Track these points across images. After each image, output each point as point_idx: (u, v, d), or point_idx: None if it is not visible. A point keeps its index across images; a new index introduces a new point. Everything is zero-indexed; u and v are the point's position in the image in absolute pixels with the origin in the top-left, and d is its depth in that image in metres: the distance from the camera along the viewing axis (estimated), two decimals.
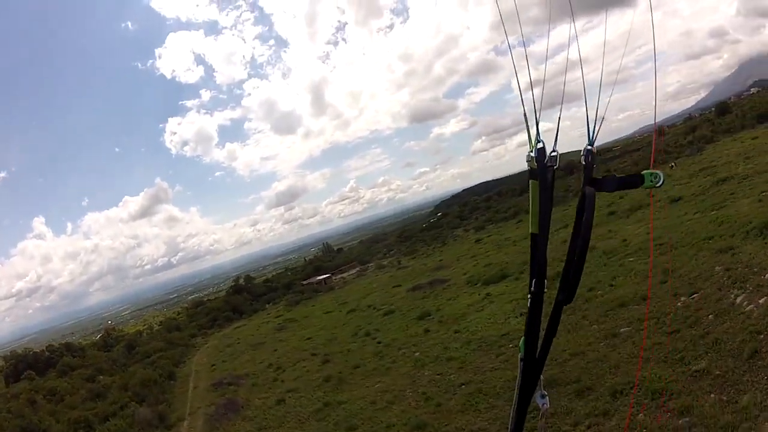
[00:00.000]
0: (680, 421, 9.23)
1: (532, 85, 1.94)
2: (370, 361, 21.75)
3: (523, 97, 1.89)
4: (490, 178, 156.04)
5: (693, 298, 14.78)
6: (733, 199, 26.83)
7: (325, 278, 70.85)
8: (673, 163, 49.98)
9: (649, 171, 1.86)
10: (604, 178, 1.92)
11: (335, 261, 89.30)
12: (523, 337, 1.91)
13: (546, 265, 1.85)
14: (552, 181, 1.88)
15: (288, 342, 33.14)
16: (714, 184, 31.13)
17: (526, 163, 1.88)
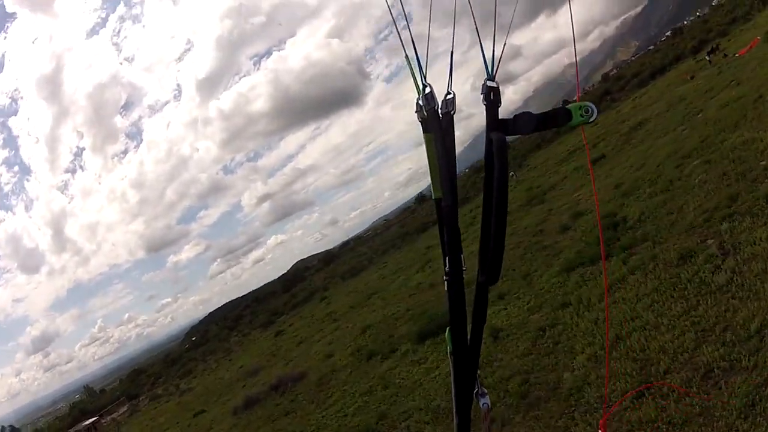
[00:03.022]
0: None
1: (408, 21, 1.43)
2: None
3: (402, 38, 1.40)
4: (231, 299, 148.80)
5: None
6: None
7: (93, 422, 52.22)
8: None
9: (577, 103, 1.32)
10: (517, 117, 1.37)
11: (100, 401, 67.74)
12: (448, 329, 1.47)
13: (459, 237, 1.41)
14: (451, 129, 1.41)
15: None
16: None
17: (415, 114, 1.43)
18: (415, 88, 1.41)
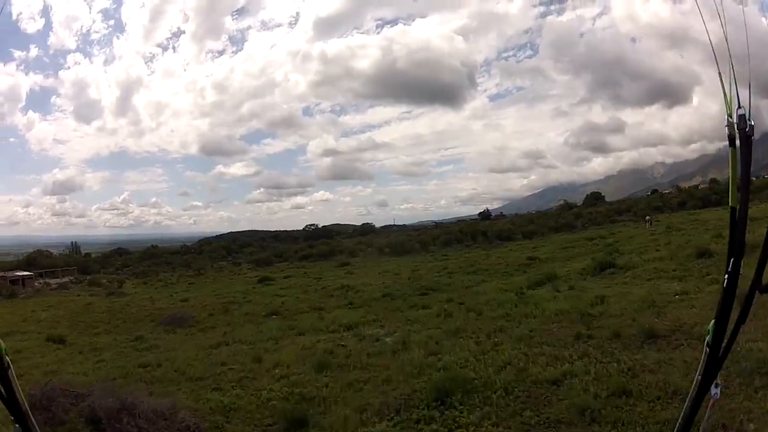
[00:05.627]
0: None
1: (726, 36, 1.55)
2: None
3: (717, 55, 1.55)
4: (255, 228, 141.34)
5: None
6: None
7: (24, 276, 46.84)
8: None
9: None
10: None
11: (58, 262, 61.79)
12: (712, 321, 1.58)
13: (744, 244, 1.52)
14: (750, 150, 1.58)
15: None
16: None
17: (725, 128, 1.58)
18: (725, 105, 1.52)
